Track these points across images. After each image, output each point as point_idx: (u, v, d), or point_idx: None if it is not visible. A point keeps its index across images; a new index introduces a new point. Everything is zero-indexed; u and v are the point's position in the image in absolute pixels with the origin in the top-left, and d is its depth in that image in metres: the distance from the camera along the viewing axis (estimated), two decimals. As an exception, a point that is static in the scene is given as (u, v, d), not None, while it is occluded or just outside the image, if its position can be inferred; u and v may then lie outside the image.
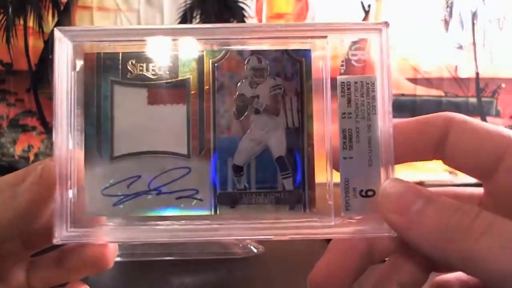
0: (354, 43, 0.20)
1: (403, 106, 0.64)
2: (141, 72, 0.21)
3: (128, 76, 0.21)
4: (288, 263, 0.40)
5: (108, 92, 0.21)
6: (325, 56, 0.21)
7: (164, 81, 0.21)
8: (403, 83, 0.65)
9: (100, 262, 0.21)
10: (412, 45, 0.65)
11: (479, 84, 0.67)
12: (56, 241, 0.19)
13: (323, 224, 0.20)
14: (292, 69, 0.21)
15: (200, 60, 0.21)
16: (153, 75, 0.21)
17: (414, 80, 0.65)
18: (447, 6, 0.66)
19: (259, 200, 0.21)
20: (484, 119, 0.66)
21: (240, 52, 0.21)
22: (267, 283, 0.40)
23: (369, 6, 0.64)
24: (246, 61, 0.21)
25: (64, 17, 0.61)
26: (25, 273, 0.22)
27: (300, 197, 0.21)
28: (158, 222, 0.20)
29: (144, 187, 0.21)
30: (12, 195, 0.19)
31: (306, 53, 0.21)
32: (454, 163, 0.21)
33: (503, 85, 0.67)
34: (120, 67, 0.21)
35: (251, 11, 0.63)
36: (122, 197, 0.21)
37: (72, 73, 0.20)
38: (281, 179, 0.21)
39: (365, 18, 0.64)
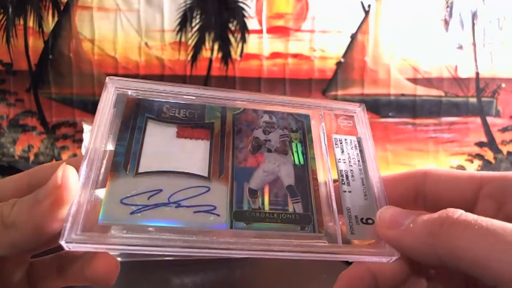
0: (342, 115, 0.27)
1: (403, 106, 0.64)
2: (173, 114, 0.25)
3: (162, 116, 0.25)
4: (287, 263, 0.40)
5: (142, 124, 0.24)
6: (320, 120, 0.27)
7: (193, 123, 0.24)
8: (403, 83, 0.65)
9: (102, 279, 0.21)
10: (412, 45, 0.65)
11: (479, 84, 0.67)
12: (62, 242, 0.18)
13: (332, 244, 0.22)
14: (296, 125, 0.26)
15: (223, 112, 0.25)
16: (183, 117, 0.25)
17: (414, 80, 0.65)
18: (447, 6, 0.66)
19: (272, 219, 0.22)
20: (484, 119, 0.66)
21: (255, 110, 0.26)
22: (267, 283, 0.40)
23: (369, 6, 0.64)
24: (260, 117, 0.26)
25: (64, 17, 0.61)
26: (26, 275, 0.22)
27: (310, 218, 0.23)
28: (173, 234, 0.20)
29: (164, 200, 0.22)
30: (35, 201, 0.19)
31: (306, 117, 0.26)
32: (437, 206, 0.22)
33: (503, 85, 0.67)
34: (156, 108, 0.25)
35: (251, 11, 0.63)
36: (140, 206, 0.21)
37: (113, 109, 0.24)
38: (292, 203, 0.23)
39: (365, 18, 0.64)
